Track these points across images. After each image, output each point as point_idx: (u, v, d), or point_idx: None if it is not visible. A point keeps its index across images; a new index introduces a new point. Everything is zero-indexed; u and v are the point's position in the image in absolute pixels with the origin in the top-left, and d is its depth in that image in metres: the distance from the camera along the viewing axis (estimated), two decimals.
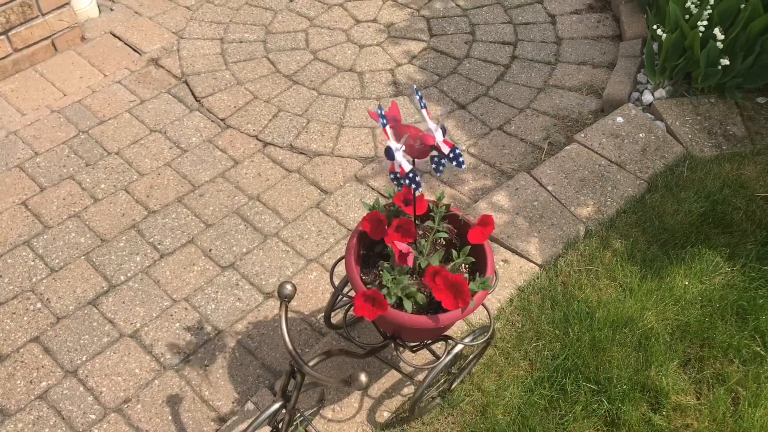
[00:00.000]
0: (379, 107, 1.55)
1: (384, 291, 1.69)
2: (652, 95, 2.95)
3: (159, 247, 2.59)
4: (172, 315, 2.39)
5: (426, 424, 2.06)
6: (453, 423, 2.06)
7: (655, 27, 2.89)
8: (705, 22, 2.71)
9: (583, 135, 2.81)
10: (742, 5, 2.71)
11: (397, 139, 1.52)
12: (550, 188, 2.62)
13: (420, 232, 1.86)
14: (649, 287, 2.34)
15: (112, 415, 2.15)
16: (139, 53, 3.39)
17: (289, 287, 1.69)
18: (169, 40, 3.46)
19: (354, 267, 1.75)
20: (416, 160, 1.56)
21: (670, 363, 2.16)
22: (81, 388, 2.21)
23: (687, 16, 2.80)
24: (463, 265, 1.83)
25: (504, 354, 2.20)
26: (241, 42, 3.47)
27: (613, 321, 2.24)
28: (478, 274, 1.77)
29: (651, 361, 2.15)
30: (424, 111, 1.57)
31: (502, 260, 2.42)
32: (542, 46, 3.43)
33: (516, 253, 2.44)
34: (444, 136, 1.51)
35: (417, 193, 1.60)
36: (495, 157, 2.89)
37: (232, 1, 3.72)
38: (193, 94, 3.19)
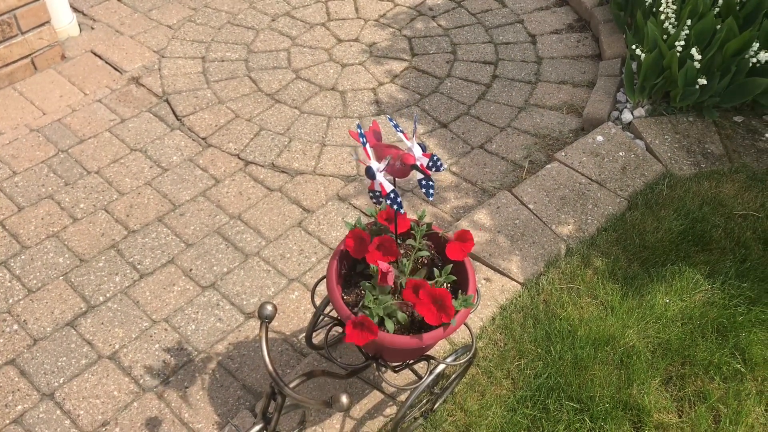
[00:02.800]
0: (359, 126, 1.55)
1: (366, 312, 1.68)
2: (632, 114, 2.98)
3: (139, 267, 2.56)
4: (151, 336, 2.36)
5: None
6: None
7: (633, 47, 2.93)
8: (682, 42, 2.75)
9: (563, 153, 2.83)
10: (718, 26, 2.75)
11: (378, 158, 1.52)
12: (531, 206, 2.63)
13: (402, 251, 1.86)
14: (630, 305, 2.35)
15: None
16: (120, 72, 3.37)
17: (269, 308, 1.68)
18: (151, 59, 3.45)
19: (335, 287, 1.75)
20: (397, 179, 1.56)
21: (652, 381, 2.16)
22: (58, 412, 2.17)
23: (665, 36, 2.84)
24: (445, 284, 1.82)
25: (486, 373, 2.19)
26: (223, 61, 3.47)
27: (594, 339, 2.25)
28: (460, 292, 1.77)
29: (633, 379, 2.16)
30: (401, 134, 1.57)
31: (484, 278, 2.42)
32: (523, 65, 3.46)
33: (498, 272, 2.44)
34: (423, 152, 1.51)
35: (399, 213, 1.60)
36: (476, 175, 2.90)
37: (214, 20, 3.73)
38: (174, 112, 3.18)
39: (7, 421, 2.14)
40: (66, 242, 2.64)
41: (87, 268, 2.55)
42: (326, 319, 2.04)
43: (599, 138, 2.87)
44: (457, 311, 1.71)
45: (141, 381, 2.25)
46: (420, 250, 1.80)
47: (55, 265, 2.56)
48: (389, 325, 1.70)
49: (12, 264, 2.56)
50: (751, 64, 2.75)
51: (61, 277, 2.52)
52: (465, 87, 3.34)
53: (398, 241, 1.84)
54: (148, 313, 2.43)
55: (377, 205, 1.60)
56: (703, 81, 2.72)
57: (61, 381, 2.24)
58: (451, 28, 3.70)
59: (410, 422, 2.06)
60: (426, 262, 1.88)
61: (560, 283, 2.41)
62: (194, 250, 2.62)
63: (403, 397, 2.07)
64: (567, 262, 2.47)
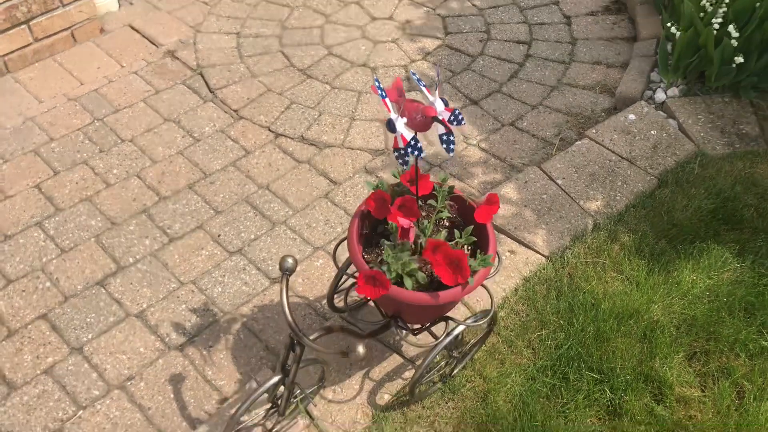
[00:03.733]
0: (376, 80, 1.56)
1: (384, 267, 1.70)
2: (665, 94, 2.94)
3: (168, 231, 2.61)
4: (178, 297, 2.41)
5: (426, 408, 2.05)
6: (453, 408, 2.05)
7: (669, 24, 2.88)
8: (720, 20, 2.70)
9: (594, 131, 2.81)
10: (758, 3, 2.70)
11: (400, 113, 1.53)
12: (559, 182, 2.62)
13: (423, 214, 1.87)
14: (656, 281, 2.32)
15: (116, 391, 2.16)
16: (156, 45, 3.43)
17: (290, 261, 1.70)
18: (186, 34, 3.50)
19: (356, 244, 1.76)
20: (418, 133, 1.57)
21: (675, 355, 2.14)
22: (86, 365, 2.23)
23: (701, 14, 2.80)
24: (466, 246, 1.83)
25: (507, 342, 2.19)
26: (257, 37, 3.51)
27: (618, 313, 2.23)
28: (479, 252, 1.77)
29: (656, 353, 2.13)
30: (423, 89, 1.58)
31: (509, 251, 2.41)
32: (557, 45, 3.44)
33: (522, 244, 2.43)
34: (445, 106, 1.52)
35: (419, 158, 1.60)
36: (506, 152, 2.89)
37: None
38: (207, 85, 3.23)
39: (38, 372, 2.20)
40: (98, 206, 2.70)
41: (118, 231, 2.61)
42: (349, 280, 2.06)
43: (631, 116, 2.84)
44: (474, 271, 1.71)
45: (166, 339, 2.29)
46: (441, 211, 1.81)
47: (87, 227, 2.62)
48: (408, 282, 1.71)
49: (46, 225, 2.63)
50: None
51: (92, 239, 2.59)
52: (497, 65, 3.33)
53: (420, 203, 1.85)
54: (176, 275, 2.47)
55: (403, 166, 1.61)
56: (740, 59, 2.67)
57: (89, 336, 2.30)
58: (485, 8, 3.68)
59: (428, 385, 2.06)
60: (447, 224, 1.88)
61: (585, 257, 2.40)
62: (223, 217, 2.66)
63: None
64: (593, 237, 2.45)
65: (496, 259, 1.84)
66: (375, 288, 1.63)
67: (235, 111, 3.10)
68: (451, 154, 1.58)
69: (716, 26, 2.70)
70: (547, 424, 1.98)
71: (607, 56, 3.34)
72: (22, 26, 3.20)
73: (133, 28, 3.54)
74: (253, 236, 2.60)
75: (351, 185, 2.77)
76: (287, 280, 1.69)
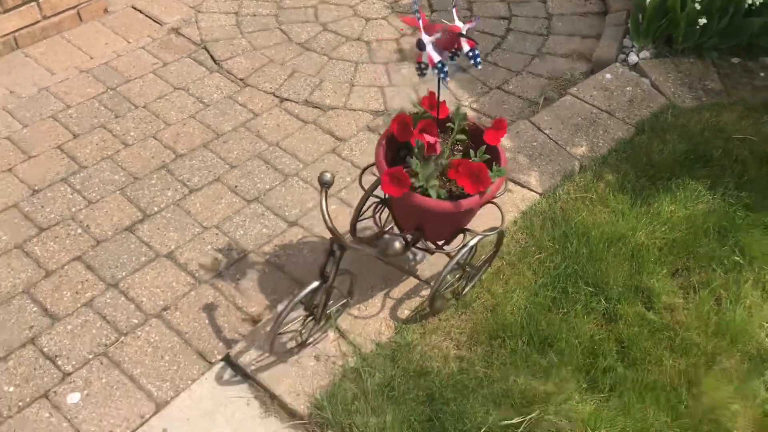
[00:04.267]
0: (416, 3, 1.79)
1: (411, 178, 1.92)
2: (637, 56, 3.24)
3: (188, 183, 2.80)
4: (203, 239, 2.59)
5: (442, 321, 2.27)
6: (466, 320, 2.28)
7: None
8: None
9: (575, 89, 3.09)
10: None
11: (428, 33, 1.77)
12: (547, 132, 2.88)
13: (440, 139, 2.10)
14: (638, 212, 2.59)
15: (153, 320, 2.34)
16: (159, 24, 3.62)
17: (328, 175, 1.91)
18: (188, 13, 3.70)
19: (382, 159, 1.98)
20: (443, 51, 1.81)
21: (660, 271, 2.40)
22: (123, 298, 2.39)
23: None
24: None
25: (510, 265, 2.43)
26: (255, 15, 3.72)
27: (607, 238, 2.48)
28: (494, 164, 2.00)
29: (643, 270, 2.39)
30: (454, 11, 1.82)
31: (507, 190, 2.66)
32: (534, 20, 3.72)
33: (518, 184, 2.68)
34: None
35: (445, 83, 1.84)
36: (495, 111, 3.15)
37: None
38: (212, 57, 3.42)
39: (79, 305, 2.37)
40: (120, 163, 2.87)
41: (141, 184, 2.79)
42: (371, 208, 2.27)
43: (608, 76, 3.13)
44: (492, 181, 1.95)
45: (196, 275, 2.48)
46: (459, 132, 2.04)
47: (111, 181, 2.79)
48: (432, 192, 1.93)
49: (72, 180, 2.79)
50: (747, 6, 3.00)
51: (117, 192, 2.75)
52: (481, 38, 3.59)
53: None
54: (199, 221, 2.66)
55: (421, 77, 1.84)
56: (703, 20, 2.98)
57: (123, 274, 2.47)
58: None
59: (443, 302, 2.29)
60: (462, 148, 2.12)
61: (575, 193, 2.66)
62: (238, 170, 2.86)
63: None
64: (581, 176, 2.72)
65: (505, 180, 2.08)
66: (398, 186, 1.85)
67: (241, 80, 3.30)
68: (479, 67, 1.81)
69: None
70: (550, 329, 2.22)
71: (581, 29, 3.64)
72: (32, 3, 3.36)
73: (135, 8, 3.72)
74: (268, 186, 2.80)
75: (356, 141, 2.99)
76: (326, 192, 1.90)
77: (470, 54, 1.79)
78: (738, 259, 2.43)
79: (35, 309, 2.35)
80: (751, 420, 2.05)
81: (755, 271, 2.41)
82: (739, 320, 2.25)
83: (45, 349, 2.24)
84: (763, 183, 2.66)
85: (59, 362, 2.21)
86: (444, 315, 2.29)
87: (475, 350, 2.20)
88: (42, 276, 2.45)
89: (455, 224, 2.07)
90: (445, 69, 1.78)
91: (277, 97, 3.21)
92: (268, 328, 2.05)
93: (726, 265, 2.42)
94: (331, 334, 2.21)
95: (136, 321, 2.33)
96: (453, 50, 1.85)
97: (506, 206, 2.60)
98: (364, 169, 2.23)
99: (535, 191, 2.66)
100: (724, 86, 3.08)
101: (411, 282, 2.37)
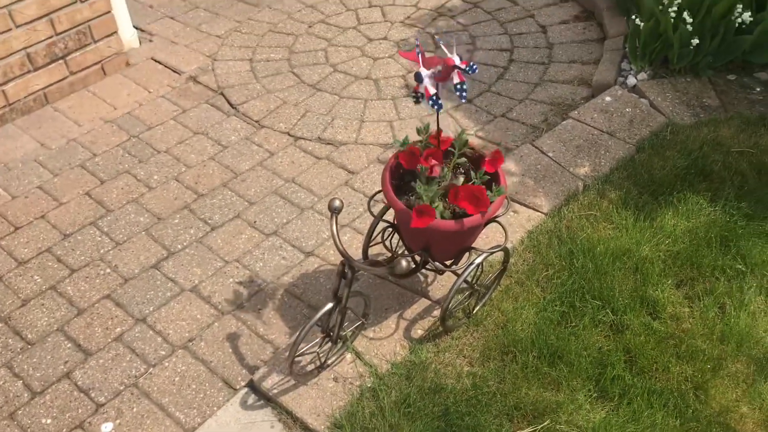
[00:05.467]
0: (417, 41, 1.93)
1: (415, 200, 2.04)
2: (635, 78, 3.35)
3: (210, 221, 2.94)
4: (225, 272, 2.72)
5: (455, 339, 2.36)
6: (478, 337, 2.37)
7: (633, 17, 3.31)
8: (675, 9, 3.13)
9: (577, 113, 3.20)
10: None
11: (425, 66, 1.91)
12: (550, 154, 2.99)
13: (443, 165, 2.22)
14: (642, 226, 2.68)
15: (180, 351, 2.46)
16: (178, 73, 3.82)
17: (337, 202, 2.04)
18: (205, 62, 3.90)
19: (389, 186, 2.11)
20: (440, 83, 1.94)
21: (665, 282, 2.47)
22: (150, 332, 2.52)
23: (660, 7, 3.23)
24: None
25: (519, 283, 2.52)
26: (268, 61, 3.91)
27: (612, 253, 2.57)
28: (493, 185, 2.12)
29: (648, 282, 2.47)
30: (443, 47, 1.95)
31: (513, 211, 2.76)
32: (536, 50, 3.86)
33: (524, 206, 2.79)
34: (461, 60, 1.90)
35: (439, 111, 1.97)
36: (500, 137, 3.27)
37: (258, 30, 4.18)
38: (229, 102, 3.60)
39: (110, 339, 2.50)
40: (144, 205, 3.03)
41: (165, 224, 2.94)
42: (380, 234, 2.39)
43: (608, 98, 3.24)
44: (491, 201, 2.06)
45: (219, 306, 2.60)
46: (459, 157, 2.16)
47: (137, 223, 2.95)
48: (437, 214, 2.05)
49: (100, 224, 2.95)
50: (737, 25, 3.11)
51: (143, 232, 2.91)
52: (485, 70, 3.74)
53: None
54: (221, 255, 2.79)
55: (416, 104, 1.98)
56: (696, 41, 3.09)
57: (150, 309, 2.60)
58: (469, 24, 4.12)
59: (455, 321, 2.38)
60: (463, 171, 2.24)
61: (579, 211, 2.75)
62: (256, 206, 3.00)
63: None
64: (585, 195, 2.82)
65: (506, 199, 2.19)
66: (424, 219, 1.97)
67: (257, 121, 3.47)
68: (464, 101, 1.94)
69: (673, 14, 3.12)
70: (559, 342, 2.30)
71: (581, 55, 3.77)
72: (60, 61, 3.58)
73: (155, 60, 3.93)
74: (285, 220, 2.93)
75: (367, 173, 3.12)
76: (336, 218, 2.03)
77: (457, 86, 1.92)
78: (741, 267, 2.50)
79: (69, 345, 2.49)
80: (759, 422, 2.10)
81: (758, 278, 2.47)
82: (744, 326, 2.32)
83: (79, 383, 2.37)
84: (762, 193, 2.74)
85: (92, 394, 2.34)
86: (456, 333, 2.38)
87: (487, 366, 2.29)
88: (75, 314, 2.59)
89: (460, 243, 2.18)
90: (440, 101, 1.91)
91: (292, 136, 3.37)
92: (287, 353, 2.16)
93: (729, 274, 2.49)
94: (348, 356, 2.31)
95: (163, 353, 2.45)
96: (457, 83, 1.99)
97: (513, 227, 2.71)
98: (372, 197, 2.35)
99: (540, 211, 2.76)
100: (721, 102, 3.17)
101: (423, 303, 2.47)
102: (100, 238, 2.88)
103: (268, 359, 2.39)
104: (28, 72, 3.46)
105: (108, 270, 2.75)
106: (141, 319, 2.57)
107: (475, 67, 1.91)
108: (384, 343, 2.35)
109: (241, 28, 4.20)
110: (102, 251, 2.83)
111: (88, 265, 2.77)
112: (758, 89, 3.24)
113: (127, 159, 3.27)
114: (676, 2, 3.16)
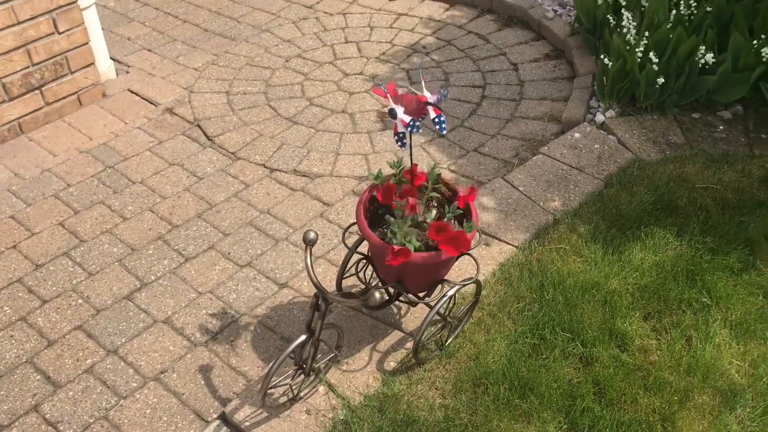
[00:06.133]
0: (381, 84, 1.98)
1: (390, 235, 2.07)
2: (604, 116, 3.44)
3: (183, 252, 2.94)
4: (199, 304, 2.72)
5: (427, 371, 2.38)
6: (450, 369, 2.39)
7: (602, 56, 3.42)
8: (642, 49, 3.24)
9: (546, 148, 3.27)
10: (671, 35, 3.25)
11: (399, 103, 1.96)
12: (521, 189, 3.05)
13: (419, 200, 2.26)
14: (611, 260, 2.73)
15: (151, 383, 2.45)
16: (154, 105, 3.84)
17: (312, 234, 2.07)
18: (181, 94, 3.93)
19: (363, 220, 2.14)
20: (419, 120, 1.99)
21: (633, 315, 2.52)
22: (122, 363, 2.51)
23: (627, 47, 3.34)
24: (453, 220, 2.22)
25: (491, 315, 2.55)
26: (245, 94, 3.95)
27: (581, 286, 2.62)
28: (465, 220, 2.16)
29: (616, 314, 2.52)
30: (422, 82, 2.01)
31: (485, 244, 2.81)
32: (507, 87, 3.95)
33: (496, 239, 2.83)
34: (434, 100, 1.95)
35: (416, 133, 2.02)
36: (473, 171, 3.33)
37: (235, 63, 4.23)
38: (205, 134, 3.63)
39: (80, 371, 2.48)
40: (118, 236, 3.02)
41: (138, 255, 2.93)
42: (353, 271, 2.41)
43: (577, 135, 3.33)
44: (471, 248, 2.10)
45: (192, 338, 2.60)
46: (432, 191, 2.20)
47: (110, 253, 2.94)
48: (410, 247, 2.08)
49: (73, 254, 2.93)
50: (701, 65, 3.23)
51: (116, 263, 2.90)
52: (458, 106, 3.82)
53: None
54: (195, 286, 2.79)
55: (401, 148, 2.02)
56: (661, 80, 3.20)
57: (123, 340, 2.59)
58: (442, 61, 4.21)
59: (428, 353, 2.40)
60: (436, 204, 2.28)
61: (549, 244, 2.80)
62: (231, 238, 3.01)
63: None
64: (555, 229, 2.87)
65: (478, 233, 2.23)
66: (399, 258, 2.00)
67: (233, 153, 3.49)
68: (444, 133, 2.00)
69: (639, 54, 3.23)
70: (530, 374, 2.33)
71: (552, 93, 3.86)
72: (36, 91, 3.58)
73: (132, 91, 3.95)
74: (259, 252, 2.94)
75: (342, 205, 3.16)
76: (310, 250, 2.05)
77: (436, 120, 1.97)
78: (706, 300, 2.56)
79: (38, 377, 2.46)
80: None
81: (722, 311, 2.53)
82: (710, 358, 2.37)
83: (48, 416, 2.34)
84: (725, 228, 2.82)
85: (61, 427, 2.31)
86: (429, 365, 2.40)
87: (459, 398, 2.31)
88: (45, 345, 2.57)
89: (433, 276, 2.21)
90: (417, 124, 1.96)
91: (267, 168, 3.40)
92: (260, 385, 2.16)
93: (695, 307, 2.55)
94: (321, 388, 2.32)
95: (135, 384, 2.44)
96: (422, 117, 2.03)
97: (485, 259, 2.75)
98: (347, 228, 2.38)
99: (512, 244, 2.81)
100: (687, 139, 3.27)
101: (397, 335, 2.49)
102: (72, 269, 2.87)
103: (241, 391, 2.39)
104: (3, 102, 3.46)
105: (80, 301, 2.74)
106: (113, 351, 2.55)
107: (446, 93, 1.96)
108: (357, 375, 2.36)
109: (219, 61, 4.24)
110: (74, 282, 2.81)
111: (59, 295, 2.76)
112: (721, 127, 3.35)
113: (102, 189, 3.27)
114: (642, 43, 3.27)
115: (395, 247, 2.00)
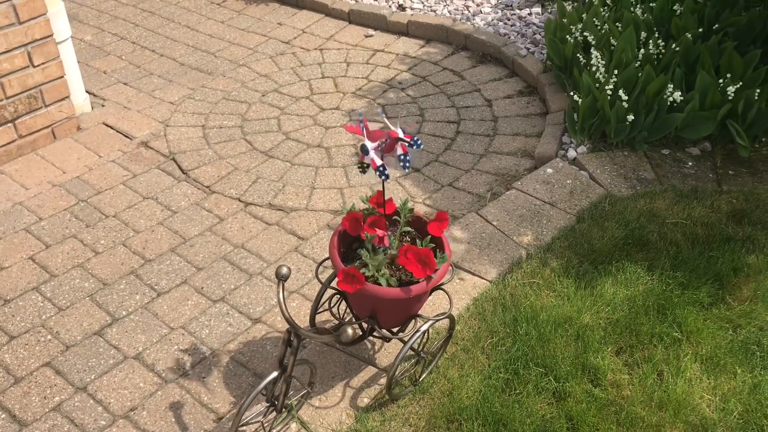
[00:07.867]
0: (359, 115, 2.01)
1: (364, 269, 2.07)
2: (575, 151, 3.50)
3: (156, 287, 2.92)
4: (170, 340, 2.69)
5: (401, 407, 2.37)
6: (424, 405, 2.38)
7: (572, 93, 3.48)
8: (611, 87, 3.31)
9: (520, 183, 3.31)
10: (639, 74, 3.33)
11: (372, 140, 1.98)
12: (494, 223, 3.08)
13: (389, 232, 2.27)
14: (583, 294, 2.76)
15: (121, 421, 2.40)
16: (130, 138, 3.83)
17: (285, 269, 2.06)
18: (157, 128, 3.92)
19: (336, 253, 2.14)
20: (385, 154, 2.01)
21: (606, 350, 2.54)
22: (91, 401, 2.46)
23: (597, 85, 3.41)
24: None
25: (464, 350, 2.55)
26: (221, 127, 3.96)
27: (554, 320, 2.63)
28: (438, 252, 2.17)
29: (589, 349, 2.53)
30: (386, 120, 2.03)
31: (459, 278, 2.82)
32: (482, 123, 4.01)
33: (469, 273, 2.85)
34: (404, 134, 1.97)
35: (386, 182, 2.04)
36: (447, 206, 3.36)
37: (211, 97, 4.25)
38: (180, 168, 3.62)
39: (47, 410, 2.43)
40: (90, 270, 2.99)
41: (110, 290, 2.90)
42: (325, 307, 2.41)
43: (549, 170, 3.37)
44: (437, 267, 2.11)
45: (163, 375, 2.56)
46: (405, 224, 2.22)
47: (81, 288, 2.91)
48: (383, 281, 2.08)
49: (43, 289, 2.90)
50: (669, 103, 3.31)
51: (87, 298, 2.86)
52: (433, 141, 3.86)
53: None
54: (167, 322, 2.76)
55: (362, 174, 2.04)
56: (631, 117, 3.27)
57: (92, 377, 2.54)
58: (418, 96, 4.26)
59: (401, 389, 2.39)
60: (409, 239, 2.29)
61: (523, 279, 2.82)
62: (204, 272, 2.99)
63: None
64: (528, 263, 2.89)
65: (451, 266, 2.24)
66: (352, 283, 2.00)
67: (207, 187, 3.49)
68: (407, 171, 2.01)
69: (609, 92, 3.30)
70: (504, 410, 2.33)
71: (525, 128, 3.92)
72: (8, 125, 3.56)
73: (107, 125, 3.94)
74: (233, 286, 2.93)
75: (317, 239, 3.16)
76: (283, 285, 2.04)
77: (401, 157, 1.99)
78: (677, 334, 2.59)
79: (3, 416, 2.41)
80: None
81: (693, 345, 2.56)
82: (681, 392, 2.38)
83: None
84: (695, 263, 2.86)
85: None
86: (403, 401, 2.39)
87: None
88: (11, 383, 2.52)
89: (406, 310, 2.21)
90: (387, 172, 1.97)
91: (242, 201, 3.40)
92: (231, 423, 2.13)
93: (666, 341, 2.58)
94: (293, 425, 2.29)
95: (103, 422, 2.39)
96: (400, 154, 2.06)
97: (458, 294, 2.76)
98: (320, 263, 2.38)
99: (485, 279, 2.82)
100: (656, 175, 3.33)
101: (370, 370, 2.48)
102: (42, 304, 2.83)
103: (212, 429, 2.35)
104: None
105: (49, 336, 2.69)
106: (81, 388, 2.51)
107: (419, 141, 1.99)
108: (330, 412, 2.34)
109: (195, 95, 4.25)
110: (44, 317, 2.77)
111: (28, 331, 2.71)
112: (690, 163, 3.41)
113: (74, 223, 3.24)
114: (611, 80, 3.34)
115: (347, 267, 2.00)
